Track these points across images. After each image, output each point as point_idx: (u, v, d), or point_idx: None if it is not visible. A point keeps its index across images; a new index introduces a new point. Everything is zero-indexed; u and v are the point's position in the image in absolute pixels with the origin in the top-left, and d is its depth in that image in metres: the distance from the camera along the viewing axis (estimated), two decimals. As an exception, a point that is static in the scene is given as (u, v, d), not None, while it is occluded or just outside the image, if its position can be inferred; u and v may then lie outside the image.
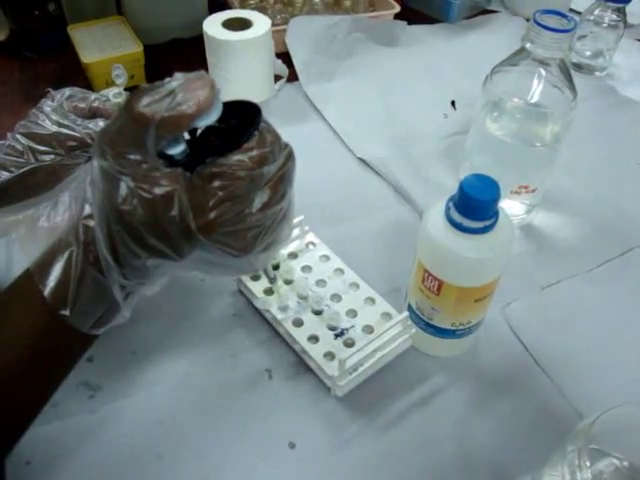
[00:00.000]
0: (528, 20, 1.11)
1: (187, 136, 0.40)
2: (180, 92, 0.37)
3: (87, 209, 0.40)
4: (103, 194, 0.38)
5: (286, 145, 0.42)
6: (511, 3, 1.20)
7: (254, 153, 0.38)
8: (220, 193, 0.37)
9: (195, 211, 0.38)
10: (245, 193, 0.38)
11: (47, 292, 0.40)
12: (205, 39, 0.87)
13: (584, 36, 1.03)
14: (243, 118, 0.39)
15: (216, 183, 0.38)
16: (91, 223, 0.39)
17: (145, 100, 0.37)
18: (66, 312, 0.40)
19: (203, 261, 0.41)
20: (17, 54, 1.02)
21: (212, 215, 0.38)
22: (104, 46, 0.94)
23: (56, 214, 0.43)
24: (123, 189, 0.37)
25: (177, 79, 0.38)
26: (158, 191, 0.37)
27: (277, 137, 0.40)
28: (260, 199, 0.39)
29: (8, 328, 0.42)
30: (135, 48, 0.94)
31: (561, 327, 0.65)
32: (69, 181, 0.43)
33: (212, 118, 0.38)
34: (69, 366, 0.45)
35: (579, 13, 1.14)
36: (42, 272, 0.40)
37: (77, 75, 0.97)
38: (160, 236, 0.38)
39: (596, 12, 1.00)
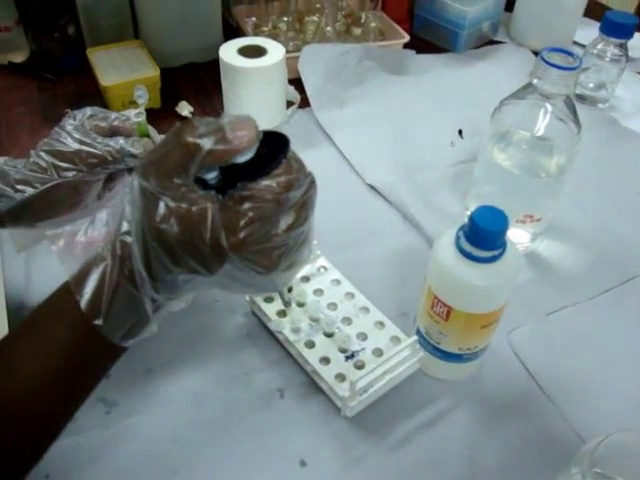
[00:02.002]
0: (534, 53, 1.15)
1: None
2: (229, 129, 0.40)
3: (124, 226, 0.42)
4: (142, 212, 0.41)
5: (309, 173, 0.44)
6: (516, 35, 1.23)
7: (282, 179, 0.41)
8: (250, 214, 0.40)
9: (227, 230, 0.40)
10: (273, 215, 0.41)
11: (83, 303, 0.42)
12: (221, 65, 0.90)
13: (587, 69, 1.06)
14: (272, 147, 0.42)
15: (247, 205, 0.40)
16: (128, 239, 0.42)
17: (197, 131, 0.40)
18: (99, 322, 0.42)
19: (229, 278, 0.44)
20: (36, 75, 1.05)
21: (242, 234, 0.40)
22: (122, 69, 0.97)
23: (93, 229, 0.45)
24: (161, 208, 0.40)
25: (227, 117, 0.41)
26: (195, 210, 0.40)
27: (302, 166, 0.43)
28: (285, 221, 0.42)
29: (45, 338, 0.44)
30: (152, 72, 0.97)
31: (564, 353, 0.67)
32: (107, 199, 0.45)
33: (249, 155, 0.42)
34: (98, 377, 0.47)
35: (583, 46, 1.18)
36: (79, 284, 0.42)
37: (94, 97, 0.99)
38: (193, 253, 0.41)
39: (599, 46, 1.03)
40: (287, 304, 0.59)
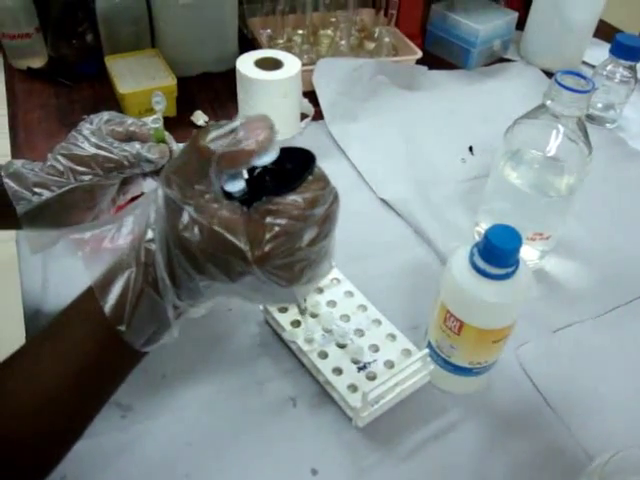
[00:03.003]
0: (544, 72, 1.17)
1: (246, 175, 0.44)
2: (241, 131, 0.41)
3: (149, 233, 0.43)
4: (166, 220, 0.42)
5: (333, 188, 0.45)
6: (527, 53, 1.25)
7: (308, 195, 0.41)
8: (276, 229, 0.41)
9: (252, 243, 0.41)
10: (297, 230, 0.41)
11: (107, 308, 0.43)
12: (237, 77, 0.91)
13: (596, 89, 1.07)
14: (298, 163, 0.43)
15: (273, 219, 0.41)
16: (152, 246, 0.43)
17: (209, 136, 0.41)
18: (123, 328, 0.43)
19: (249, 288, 0.45)
20: (54, 81, 1.06)
21: (267, 247, 0.41)
22: (139, 77, 0.99)
23: (119, 236, 0.46)
24: (185, 217, 0.41)
25: (240, 119, 0.42)
26: (218, 222, 0.41)
27: (327, 182, 0.44)
28: (309, 235, 0.42)
29: (69, 341, 0.45)
30: (169, 81, 0.98)
31: (571, 369, 0.68)
32: (134, 207, 0.46)
33: (270, 158, 0.42)
34: (118, 382, 0.48)
35: (592, 66, 1.20)
36: (103, 289, 0.44)
37: (110, 103, 1.01)
38: (216, 262, 0.42)
39: (608, 68, 1.05)
40: (303, 312, 0.60)
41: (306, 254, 0.43)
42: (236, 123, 0.42)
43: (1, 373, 0.44)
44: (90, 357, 0.45)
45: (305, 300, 0.65)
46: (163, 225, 0.43)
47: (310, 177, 0.43)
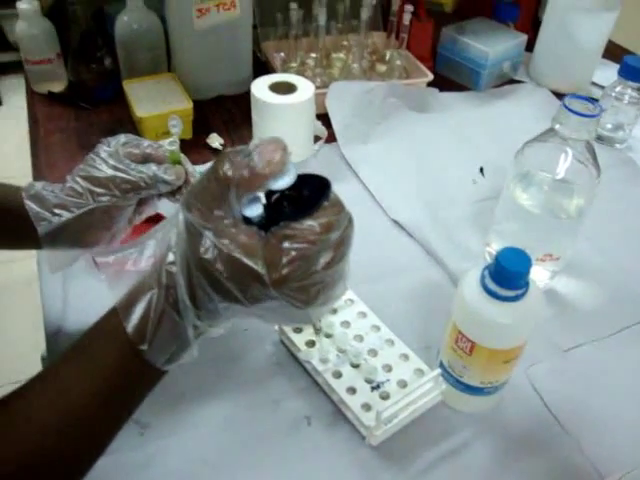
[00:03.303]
0: (554, 93, 1.19)
1: (264, 201, 0.45)
2: (255, 155, 0.42)
3: (170, 256, 0.45)
4: (187, 244, 0.44)
5: (348, 212, 0.46)
6: (536, 75, 1.27)
7: (323, 221, 0.42)
8: (293, 253, 0.42)
9: (270, 266, 0.42)
10: (314, 254, 0.42)
11: (130, 328, 0.44)
12: (252, 100, 0.94)
13: (605, 110, 1.09)
14: (314, 189, 0.45)
15: (290, 244, 0.42)
16: (173, 269, 0.44)
17: (227, 163, 0.43)
18: (145, 347, 0.45)
19: (267, 309, 0.46)
20: (74, 104, 1.09)
21: (285, 271, 0.42)
22: (156, 101, 1.01)
23: (141, 259, 0.48)
24: (206, 241, 0.42)
25: (254, 143, 0.43)
26: (236, 246, 0.42)
27: (342, 207, 0.45)
28: (324, 259, 0.43)
29: (93, 360, 0.46)
30: (185, 104, 1.01)
31: (582, 388, 0.69)
32: (156, 230, 0.48)
33: (286, 183, 0.44)
34: (139, 400, 0.49)
35: (601, 87, 1.21)
36: (126, 310, 0.45)
37: (128, 126, 1.03)
38: (235, 285, 0.43)
39: (618, 89, 1.06)
40: (318, 332, 0.62)
41: (321, 277, 0.44)
42: (250, 147, 0.43)
43: (27, 392, 0.46)
44: (113, 376, 0.46)
45: (320, 321, 0.67)
46: (184, 248, 0.44)
47: (326, 203, 0.44)
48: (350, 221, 0.46)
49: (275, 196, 0.45)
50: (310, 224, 0.42)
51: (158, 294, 0.45)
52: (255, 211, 0.44)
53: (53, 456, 0.45)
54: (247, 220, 0.44)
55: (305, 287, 0.43)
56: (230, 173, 0.42)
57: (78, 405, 0.46)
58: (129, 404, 0.49)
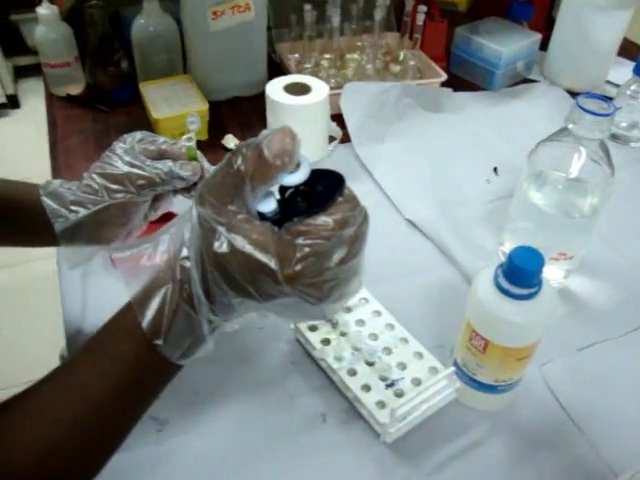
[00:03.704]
0: (568, 92, 1.18)
1: (278, 197, 0.45)
2: (265, 146, 0.42)
3: (184, 251, 0.45)
4: (201, 239, 0.44)
5: (363, 207, 0.45)
6: (550, 74, 1.26)
7: (338, 217, 0.42)
8: (307, 249, 0.42)
9: (283, 262, 0.42)
10: (327, 250, 0.42)
11: (145, 323, 0.45)
12: (267, 101, 0.95)
13: (620, 108, 1.09)
14: (328, 185, 0.44)
15: (303, 240, 0.42)
16: (187, 264, 0.44)
17: (241, 157, 0.43)
18: (160, 342, 0.45)
19: (280, 304, 0.46)
20: (91, 107, 1.11)
21: (298, 267, 0.42)
22: (172, 103, 1.02)
23: (156, 254, 0.48)
24: (219, 236, 0.42)
25: (263, 134, 0.43)
26: (249, 241, 0.42)
27: (357, 203, 0.44)
28: (338, 255, 0.43)
29: (109, 355, 0.47)
30: (201, 106, 1.02)
31: (596, 387, 0.69)
32: (170, 225, 0.48)
33: (299, 177, 0.43)
34: (155, 394, 0.49)
35: (616, 85, 1.21)
36: (142, 305, 0.45)
37: (144, 128, 1.00)
38: (249, 280, 0.43)
39: (632, 87, 1.06)
40: (334, 325, 0.62)
41: (335, 273, 0.43)
42: (259, 139, 0.43)
43: (43, 386, 0.46)
44: (129, 370, 0.46)
45: (335, 316, 0.68)
46: (198, 243, 0.44)
47: (340, 198, 0.44)
48: (365, 217, 0.45)
49: (289, 192, 0.45)
50: (324, 220, 0.42)
51: (172, 289, 0.45)
52: (269, 206, 0.44)
53: (68, 452, 0.46)
54: (261, 216, 0.44)
55: (318, 283, 0.43)
56: (244, 167, 0.42)
57: (93, 400, 0.46)
58: (145, 399, 0.49)
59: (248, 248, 0.42)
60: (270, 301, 0.45)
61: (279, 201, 0.45)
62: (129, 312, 0.46)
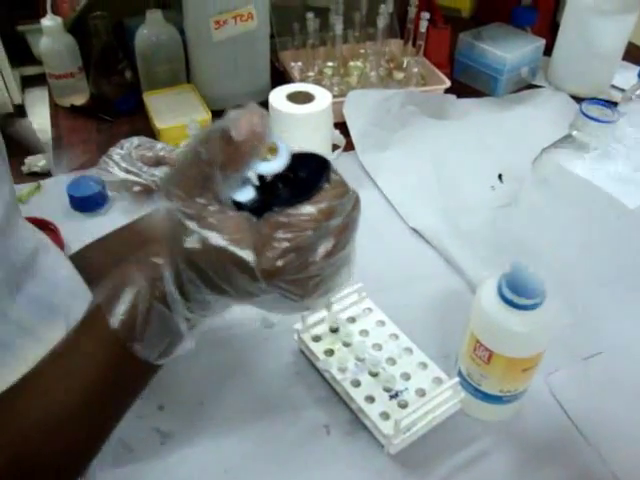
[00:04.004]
0: (573, 97, 1.18)
1: (256, 182, 0.41)
2: (233, 129, 0.38)
3: (154, 247, 0.41)
4: (171, 234, 0.40)
5: (353, 192, 0.41)
6: (554, 79, 1.26)
7: (323, 206, 0.38)
8: (286, 244, 0.38)
9: (260, 258, 0.38)
10: (311, 244, 0.39)
11: (115, 324, 0.41)
12: (270, 110, 0.94)
13: (625, 114, 1.08)
14: (312, 170, 0.40)
15: (284, 233, 0.38)
16: (160, 261, 0.41)
17: (207, 144, 0.39)
18: (134, 345, 0.41)
19: (259, 301, 0.42)
20: (95, 117, 1.11)
21: (277, 263, 0.38)
22: (176, 112, 1.03)
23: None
24: (189, 231, 0.39)
25: (229, 117, 0.39)
26: (222, 235, 0.38)
27: (346, 189, 0.40)
28: (324, 247, 0.39)
29: (80, 357, 0.44)
30: (204, 115, 1.02)
31: (602, 396, 0.68)
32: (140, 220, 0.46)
33: (277, 165, 0.39)
34: (134, 394, 0.46)
35: (621, 90, 1.20)
36: (109, 305, 0.42)
37: (148, 137, 1.04)
38: (224, 277, 0.39)
39: (638, 92, 1.05)
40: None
41: (321, 268, 0.40)
42: (226, 123, 0.38)
43: (11, 393, 0.43)
44: (101, 371, 0.43)
45: (336, 331, 0.67)
46: (168, 239, 0.41)
47: (326, 185, 0.39)
48: (356, 202, 0.41)
49: (269, 177, 0.41)
50: (308, 211, 0.38)
51: (145, 287, 0.41)
52: (246, 195, 0.40)
53: (42, 456, 0.43)
54: (238, 205, 0.40)
55: (300, 280, 0.40)
56: (210, 155, 0.39)
57: (66, 403, 0.43)
58: (123, 399, 0.46)
59: (222, 242, 0.38)
60: (248, 299, 0.42)
61: (258, 187, 0.41)
62: (98, 313, 0.42)
